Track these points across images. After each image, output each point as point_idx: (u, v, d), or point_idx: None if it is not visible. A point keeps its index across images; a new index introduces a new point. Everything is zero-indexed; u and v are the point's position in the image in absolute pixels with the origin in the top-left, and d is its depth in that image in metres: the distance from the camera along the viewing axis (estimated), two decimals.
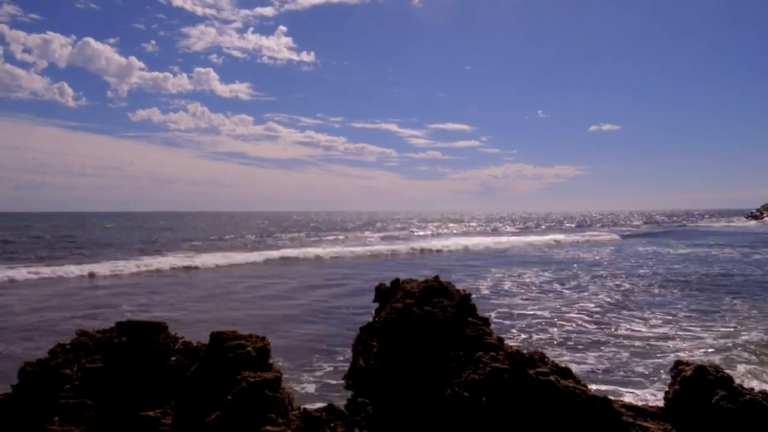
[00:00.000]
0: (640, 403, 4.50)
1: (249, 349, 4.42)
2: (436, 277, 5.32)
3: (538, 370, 4.24)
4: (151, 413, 4.34)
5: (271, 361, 4.69)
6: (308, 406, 4.95)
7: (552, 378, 4.18)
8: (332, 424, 4.45)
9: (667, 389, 4.06)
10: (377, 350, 4.73)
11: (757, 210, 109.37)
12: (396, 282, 5.44)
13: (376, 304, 5.46)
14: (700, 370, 3.88)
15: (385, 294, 5.33)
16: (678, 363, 4.11)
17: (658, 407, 4.26)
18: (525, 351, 4.51)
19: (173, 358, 4.78)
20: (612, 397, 4.38)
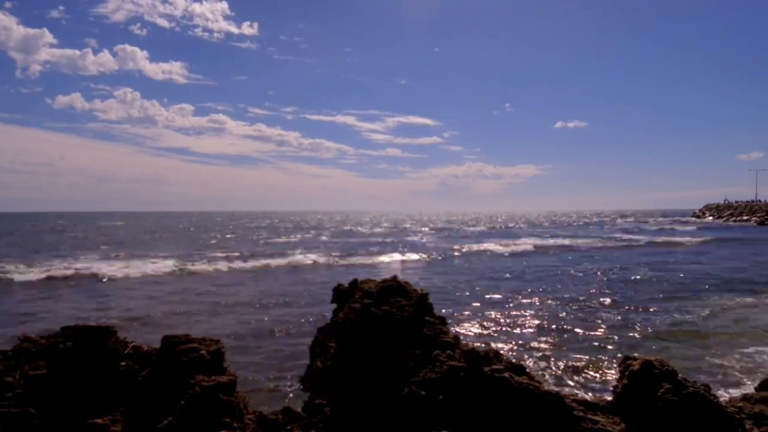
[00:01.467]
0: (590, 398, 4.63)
1: (203, 352, 4.32)
2: (395, 277, 5.34)
3: (493, 367, 4.31)
4: (99, 420, 4.18)
5: (225, 364, 4.60)
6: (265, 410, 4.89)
7: (506, 375, 4.26)
8: (289, 427, 4.40)
9: (616, 383, 4.20)
10: (335, 351, 4.71)
11: (700, 210, 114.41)
12: (354, 282, 5.44)
13: None
14: (647, 364, 4.03)
15: (343, 294, 5.31)
16: (626, 358, 4.26)
17: (608, 401, 4.40)
18: (480, 349, 4.58)
19: (123, 363, 4.62)
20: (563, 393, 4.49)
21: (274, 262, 30.27)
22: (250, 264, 29.26)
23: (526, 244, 44.01)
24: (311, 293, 18.84)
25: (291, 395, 8.41)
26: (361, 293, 5.07)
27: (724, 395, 7.10)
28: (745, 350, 11.00)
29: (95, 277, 23.63)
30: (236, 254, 35.41)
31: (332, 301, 5.35)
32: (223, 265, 28.08)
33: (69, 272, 24.71)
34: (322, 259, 31.67)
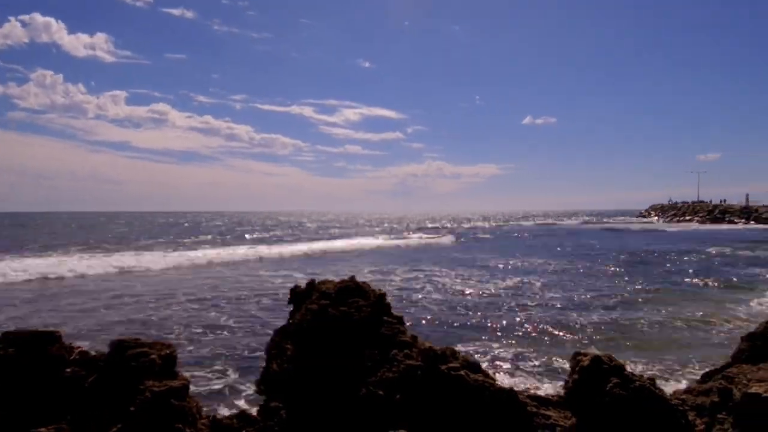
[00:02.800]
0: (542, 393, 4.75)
1: (153, 356, 4.20)
2: (352, 278, 5.33)
3: (450, 365, 4.37)
4: (43, 430, 4.01)
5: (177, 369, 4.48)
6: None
7: (462, 373, 4.32)
8: (243, 431, 4.33)
9: (567, 378, 4.33)
10: (291, 353, 4.66)
11: (646, 210, 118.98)
12: (311, 283, 5.40)
13: None
14: (596, 359, 4.17)
15: (300, 296, 5.26)
16: (576, 354, 4.39)
17: (560, 396, 4.53)
18: (438, 347, 4.63)
19: (68, 370, 4.44)
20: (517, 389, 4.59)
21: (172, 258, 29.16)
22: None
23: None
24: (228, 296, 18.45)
25: (247, 398, 8.27)
26: (319, 294, 5.04)
27: (680, 384, 7.42)
28: (682, 342, 11.52)
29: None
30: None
31: (289, 303, 5.30)
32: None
33: None
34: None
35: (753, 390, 3.94)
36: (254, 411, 4.71)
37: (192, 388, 4.69)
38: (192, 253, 32.20)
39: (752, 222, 70.09)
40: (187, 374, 4.90)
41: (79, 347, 4.67)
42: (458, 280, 21.38)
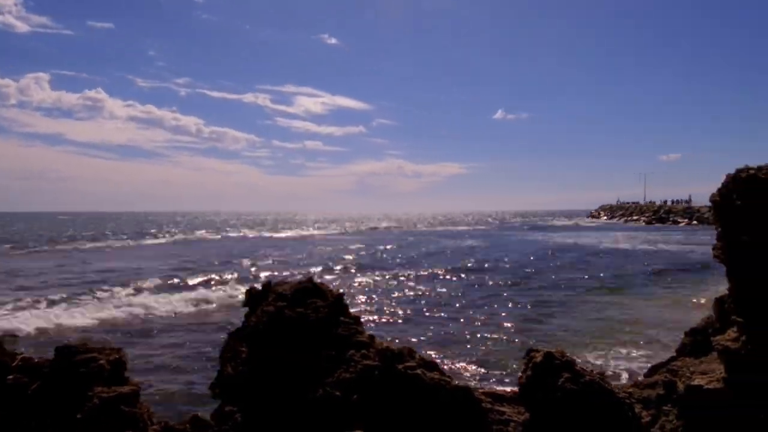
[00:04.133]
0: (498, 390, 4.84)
1: (102, 362, 4.06)
2: (310, 279, 5.30)
3: (407, 365, 4.40)
4: None
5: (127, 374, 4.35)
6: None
7: (419, 371, 4.36)
8: None
9: (521, 375, 4.42)
10: (247, 356, 4.59)
11: (596, 210, 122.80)
12: (268, 285, 5.33)
13: None
14: (548, 355, 4.28)
15: (256, 298, 5.19)
16: (530, 350, 4.50)
17: (514, 392, 4.62)
18: (395, 347, 4.65)
19: (10, 377, 4.24)
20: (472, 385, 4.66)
21: None
22: None
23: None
24: None
25: (200, 402, 8.10)
26: (275, 296, 4.98)
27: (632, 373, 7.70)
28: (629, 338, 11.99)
29: None
30: None
31: (244, 305, 5.22)
32: None
33: None
34: None
35: (695, 382, 4.14)
36: (209, 415, 4.61)
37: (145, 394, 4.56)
38: None
39: (695, 222, 73.37)
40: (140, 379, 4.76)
41: (21, 353, 4.47)
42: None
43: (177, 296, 17.73)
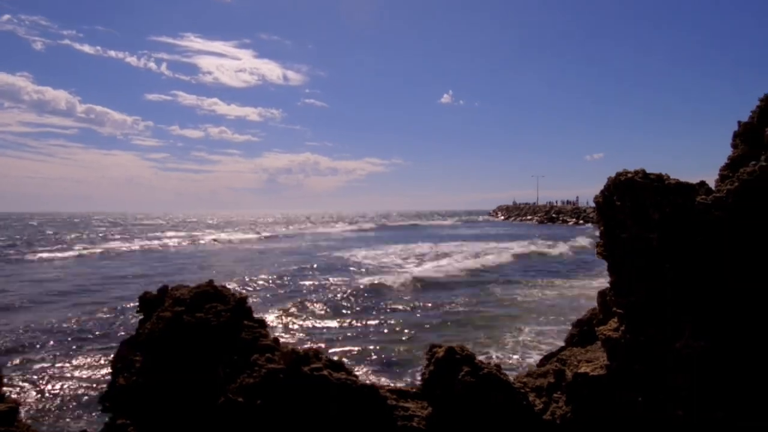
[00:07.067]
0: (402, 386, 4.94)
1: None
2: (210, 282, 5.10)
3: (313, 366, 4.36)
4: None
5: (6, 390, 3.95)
6: None
7: (325, 372, 4.34)
8: None
9: (424, 370, 4.55)
10: (141, 365, 4.33)
11: (494, 210, 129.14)
12: (164, 289, 5.07)
13: None
14: (450, 350, 4.43)
15: (150, 303, 4.91)
16: (432, 346, 4.63)
17: (418, 388, 4.73)
18: (301, 349, 4.60)
19: None
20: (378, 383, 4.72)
21: None
22: None
23: None
24: None
25: (92, 415, 7.55)
26: (172, 300, 4.75)
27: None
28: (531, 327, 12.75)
29: None
30: None
31: (138, 311, 4.92)
32: None
33: None
34: None
35: (582, 370, 4.47)
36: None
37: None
38: None
39: (581, 221, 79.24)
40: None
41: None
42: None
43: None
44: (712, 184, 4.34)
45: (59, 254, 35.44)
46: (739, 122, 4.86)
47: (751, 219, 3.85)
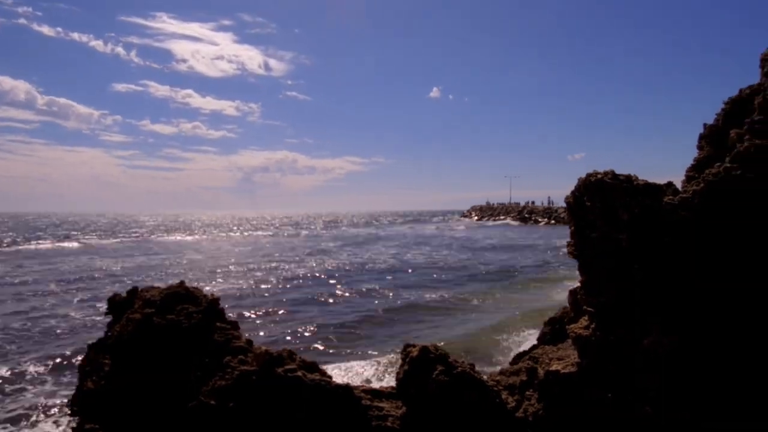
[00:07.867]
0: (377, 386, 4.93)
1: None
2: (181, 283, 5.02)
3: (287, 367, 4.33)
4: None
5: None
6: None
7: (300, 374, 4.31)
8: None
9: (398, 370, 4.55)
10: (110, 369, 4.24)
11: (468, 210, 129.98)
12: (133, 291, 4.97)
13: None
14: (424, 349, 4.44)
15: (119, 305, 4.81)
16: (407, 345, 4.63)
17: (392, 387, 4.73)
18: (274, 350, 4.56)
19: None
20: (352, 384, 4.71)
21: None
22: None
23: None
24: None
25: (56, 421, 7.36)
26: (142, 302, 4.66)
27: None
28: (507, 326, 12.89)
29: None
30: None
31: (107, 314, 4.82)
32: None
33: None
34: None
35: (553, 367, 4.53)
36: None
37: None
38: None
39: (553, 221, 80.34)
40: None
41: None
42: None
43: None
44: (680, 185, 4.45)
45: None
46: (704, 124, 4.99)
47: (716, 219, 3.95)
